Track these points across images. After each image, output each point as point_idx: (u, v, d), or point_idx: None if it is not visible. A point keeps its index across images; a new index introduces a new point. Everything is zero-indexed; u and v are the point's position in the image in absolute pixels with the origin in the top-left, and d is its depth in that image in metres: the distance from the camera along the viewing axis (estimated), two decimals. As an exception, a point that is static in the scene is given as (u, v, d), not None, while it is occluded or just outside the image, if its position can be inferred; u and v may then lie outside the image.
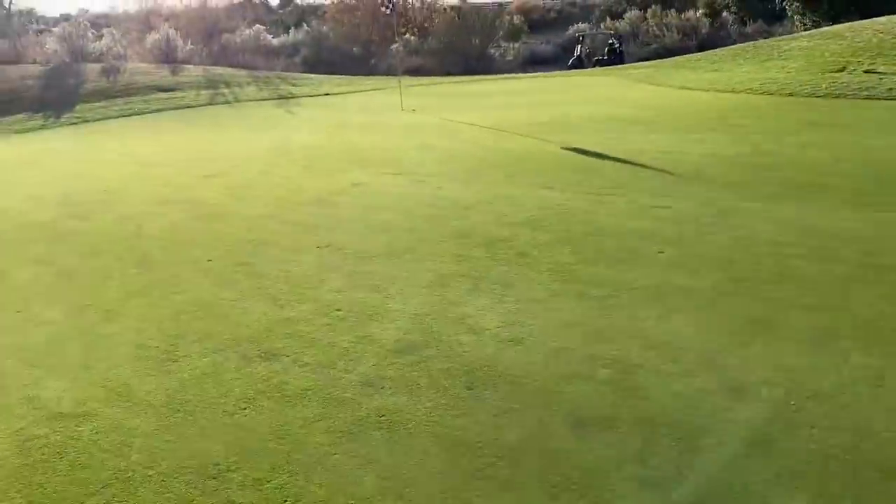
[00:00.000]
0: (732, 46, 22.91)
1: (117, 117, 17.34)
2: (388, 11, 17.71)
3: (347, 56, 40.09)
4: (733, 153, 9.37)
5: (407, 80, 25.27)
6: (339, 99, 20.14)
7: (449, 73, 36.98)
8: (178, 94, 19.96)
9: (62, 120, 17.01)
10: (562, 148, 10.56)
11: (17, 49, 25.04)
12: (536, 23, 60.32)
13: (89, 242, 7.11)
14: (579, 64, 33.21)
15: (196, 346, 4.63)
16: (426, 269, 5.79)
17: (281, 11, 70.15)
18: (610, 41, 33.63)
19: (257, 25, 47.63)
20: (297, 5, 72.22)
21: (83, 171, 10.80)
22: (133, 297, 5.59)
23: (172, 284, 5.80)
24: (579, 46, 34.24)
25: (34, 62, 24.05)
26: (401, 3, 14.98)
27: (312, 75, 26.64)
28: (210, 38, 33.06)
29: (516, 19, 53.61)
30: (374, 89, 22.20)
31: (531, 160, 9.93)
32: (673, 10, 39.67)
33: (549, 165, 9.47)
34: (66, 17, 51.62)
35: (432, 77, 28.95)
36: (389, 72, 38.84)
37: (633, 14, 41.82)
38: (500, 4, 66.17)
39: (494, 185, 8.62)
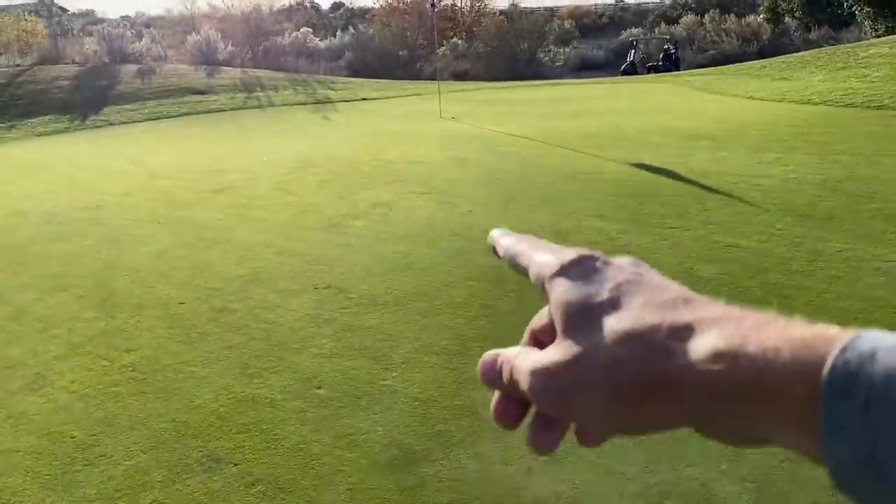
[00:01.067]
0: (801, 53, 21.12)
1: (143, 121, 16.53)
2: (431, 8, 16.54)
3: (393, 59, 39.16)
4: (820, 178, 7.89)
5: (450, 86, 24.10)
6: (377, 104, 19.04)
7: (496, 79, 35.72)
8: (212, 97, 19.12)
9: (87, 123, 16.26)
10: (613, 167, 9.21)
11: (57, 49, 24.62)
12: (587, 28, 58.71)
13: (57, 273, 6.04)
14: (632, 70, 31.61)
15: (121, 440, 3.46)
16: (442, 326, 4.56)
17: (332, 15, 69.94)
18: (665, 46, 31.96)
19: (304, 28, 47.24)
20: (347, 9, 71.93)
21: (84, 182, 9.85)
22: (75, 353, 4.47)
23: (127, 337, 4.67)
24: (632, 52, 32.62)
25: (73, 62, 23.57)
26: (441, 3, 13.81)
27: (354, 79, 25.67)
28: (255, 40, 32.38)
29: (567, 24, 52.18)
30: (415, 94, 21.06)
31: (579, 180, 8.60)
32: (732, 15, 37.72)
33: (601, 187, 8.14)
34: (126, 19, 51.98)
35: (478, 82, 27.72)
36: (434, 76, 37.91)
37: (689, 19, 39.98)
38: (551, 9, 64.83)
39: (535, 211, 7.34)
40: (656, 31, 41.74)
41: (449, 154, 10.85)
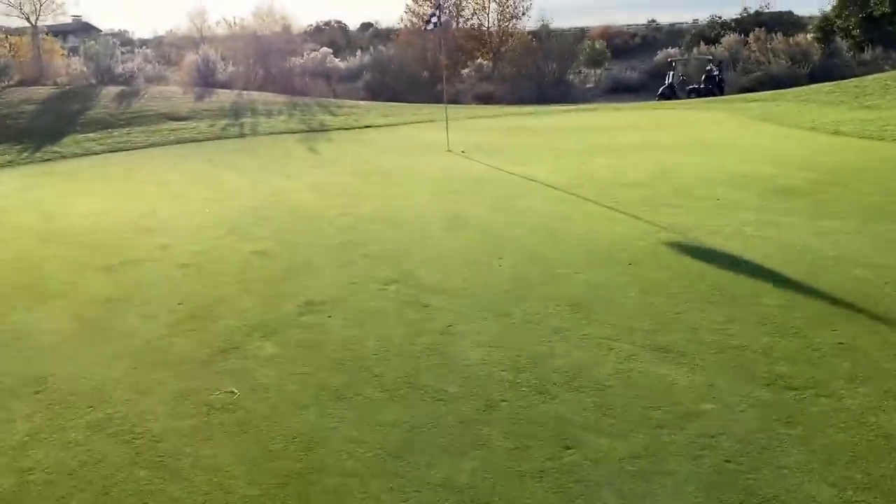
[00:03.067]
0: (877, 75, 18.02)
1: (103, 153, 14.02)
2: (430, 28, 13.79)
3: (415, 81, 36.62)
4: None
5: (469, 110, 21.36)
6: (380, 133, 16.35)
7: (522, 102, 32.98)
8: (191, 124, 16.59)
9: (37, 155, 13.78)
10: (671, 241, 6.32)
11: (41, 69, 22.40)
12: (619, 48, 55.67)
13: None
14: (671, 93, 28.62)
15: None
16: None
17: (361, 35, 67.82)
18: (707, 67, 28.89)
19: (324, 49, 45.01)
20: (376, 29, 69.77)
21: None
22: None
23: None
24: (671, 73, 29.62)
25: (54, 84, 21.29)
26: (440, 22, 11.18)
27: (363, 103, 23.07)
28: (264, 60, 30.02)
29: (598, 44, 49.36)
30: (427, 121, 18.34)
31: (622, 269, 5.71)
32: (779, 34, 34.55)
33: (655, 283, 5.25)
34: (159, 39, 50.27)
35: (501, 107, 24.95)
36: (457, 99, 35.27)
37: (731, 38, 36.85)
38: (582, 29, 62.02)
39: (555, 333, 4.48)
40: (695, 50, 38.67)
41: (443, 209, 8.04)
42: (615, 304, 4.88)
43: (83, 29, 51.79)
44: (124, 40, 53.22)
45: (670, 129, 14.37)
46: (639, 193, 8.24)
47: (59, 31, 37.49)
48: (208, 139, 15.11)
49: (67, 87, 20.76)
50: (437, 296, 5.26)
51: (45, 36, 27.66)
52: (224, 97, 20.62)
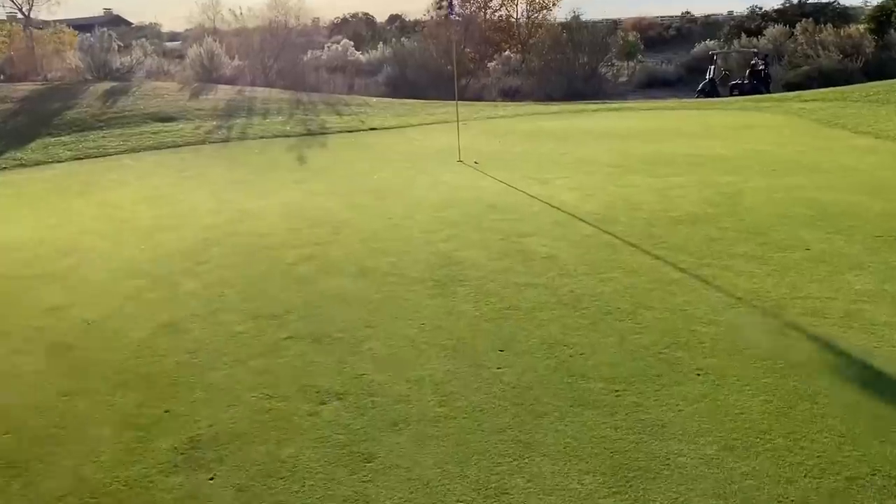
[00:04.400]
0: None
1: (65, 160, 12.22)
2: (451, 13, 11.75)
3: (437, 75, 34.44)
4: None
5: (490, 109, 19.25)
6: (386, 136, 14.35)
7: (550, 98, 30.71)
8: (176, 126, 14.75)
9: (-5, 163, 12.02)
10: (757, 327, 4.25)
11: (35, 63, 20.77)
12: (653, 41, 52.91)
13: None
14: (711, 89, 26.19)
15: None
16: None
17: (387, 28, 65.68)
18: (752, 61, 26.34)
19: (345, 41, 43.12)
20: (402, 21, 67.55)
21: None
22: None
23: None
24: (712, 67, 27.14)
25: (44, 80, 19.65)
26: (462, 10, 9.35)
27: (374, 99, 21.07)
28: (277, 54, 28.13)
29: (631, 36, 46.67)
30: (441, 122, 16.29)
31: (687, 390, 3.67)
32: (829, 25, 31.80)
33: (748, 432, 3.20)
34: (189, 32, 48.73)
35: (525, 104, 22.79)
36: (482, 94, 33.11)
37: (776, 30, 34.13)
38: (615, 21, 59.21)
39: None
40: (735, 43, 36.02)
41: (435, 254, 6.02)
42: (684, 473, 2.84)
43: (112, 22, 50.43)
44: (153, 34, 51.81)
45: (721, 136, 12.14)
46: (697, 234, 6.13)
47: (87, 25, 35.99)
48: (189, 144, 13.23)
49: (57, 83, 19.09)
50: (389, 435, 3.27)
51: (63, 29, 26.13)
52: (222, 94, 18.77)
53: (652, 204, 7.32)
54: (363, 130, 15.06)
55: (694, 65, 36.58)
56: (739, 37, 37.85)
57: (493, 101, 31.49)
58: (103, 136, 13.74)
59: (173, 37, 53.65)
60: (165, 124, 14.76)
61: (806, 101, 15.89)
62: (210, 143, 13.44)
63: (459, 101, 22.01)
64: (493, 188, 8.70)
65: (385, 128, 15.48)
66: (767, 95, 19.96)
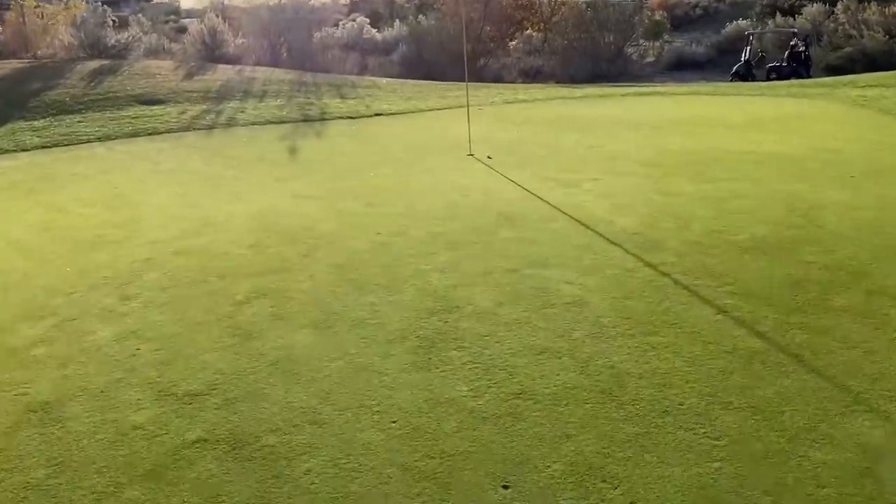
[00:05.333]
0: None
1: (31, 149, 10.84)
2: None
3: (455, 54, 32.61)
4: None
5: (509, 91, 17.63)
6: (391, 124, 12.85)
7: (573, 80, 28.94)
8: (162, 109, 13.34)
9: (-51, 152, 10.69)
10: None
11: (25, 40, 19.42)
12: (679, 20, 50.56)
13: None
14: (747, 72, 24.27)
15: None
16: None
17: (406, 5, 63.66)
18: (792, 42, 24.34)
19: (361, 18, 41.44)
20: (426, -4, 65.38)
21: None
22: None
23: None
24: (747, 49, 25.19)
25: (33, 57, 18.30)
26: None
27: (385, 81, 19.52)
28: (287, 31, 26.54)
29: (658, 15, 44.46)
30: (455, 106, 14.74)
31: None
32: (873, 3, 29.59)
33: None
34: (213, 7, 47.15)
35: (547, 86, 21.14)
36: (501, 75, 31.33)
37: (815, 8, 31.92)
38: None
39: None
40: (770, 23, 33.87)
41: (423, 292, 4.54)
42: None
43: (135, -2, 49.10)
44: (169, 9, 50.41)
45: (773, 128, 10.50)
46: (773, 272, 4.59)
47: (110, 1, 34.54)
48: (171, 131, 11.81)
49: (46, 61, 17.74)
50: None
51: (76, 4, 24.69)
52: (220, 74, 17.31)
53: (706, 221, 5.77)
54: (367, 116, 13.56)
55: (725, 45, 34.48)
56: (773, 16, 35.64)
57: (513, 82, 29.76)
58: (79, 121, 12.36)
59: (189, 13, 52.25)
60: (150, 108, 13.35)
61: (862, 87, 14.12)
62: (194, 129, 12.00)
63: (476, 83, 20.38)
64: (507, 192, 7.19)
65: (392, 113, 13.96)
66: (815, 80, 18.14)
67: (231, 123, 12.51)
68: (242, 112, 13.40)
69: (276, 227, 6.26)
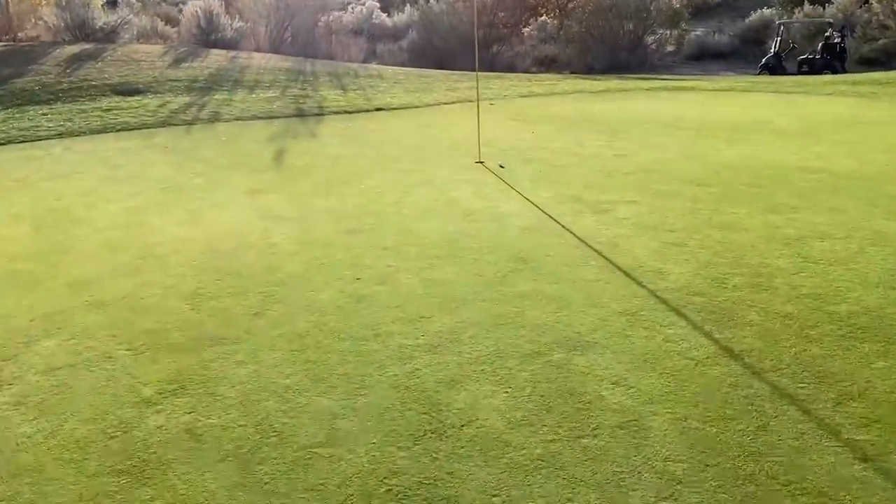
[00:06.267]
0: None
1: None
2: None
3: (466, 41, 30.92)
4: None
5: (523, 84, 16.11)
6: (393, 120, 11.42)
7: (591, 69, 27.32)
8: (140, 101, 11.95)
9: None
10: None
11: (8, 21, 18.03)
12: (698, 8, 48.63)
13: None
14: (777, 64, 22.62)
15: None
16: None
17: (424, -12, 61.75)
18: (827, 33, 22.61)
19: (370, 2, 39.82)
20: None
21: None
22: None
23: None
24: (777, 39, 23.48)
25: (12, 40, 16.92)
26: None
27: (391, 69, 18.05)
28: (292, 15, 25.03)
29: (676, 2, 42.58)
30: (465, 100, 13.29)
31: None
32: (909, -7, 27.69)
33: None
34: None
35: (564, 77, 19.59)
36: (514, 64, 29.67)
37: (845, -4, 30.03)
38: (660, -15, 54.82)
39: None
40: (797, 12, 32.01)
41: (405, 402, 3.10)
42: None
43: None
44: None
45: (834, 137, 8.99)
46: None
47: None
48: (145, 126, 10.41)
49: (25, 44, 16.35)
50: None
51: None
52: (211, 61, 15.87)
53: (789, 276, 4.32)
54: (366, 111, 12.11)
55: (749, 35, 32.71)
56: (800, 4, 33.76)
57: (527, 71, 28.16)
58: (44, 114, 10.98)
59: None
60: (126, 99, 11.95)
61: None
62: (171, 125, 10.59)
63: (488, 74, 18.85)
64: (523, 218, 5.75)
65: (394, 108, 12.50)
66: (866, 76, 16.51)
67: (213, 118, 11.08)
68: (228, 105, 11.98)
69: (230, 266, 4.86)
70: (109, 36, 17.90)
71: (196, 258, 5.05)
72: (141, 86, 12.77)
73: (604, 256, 4.78)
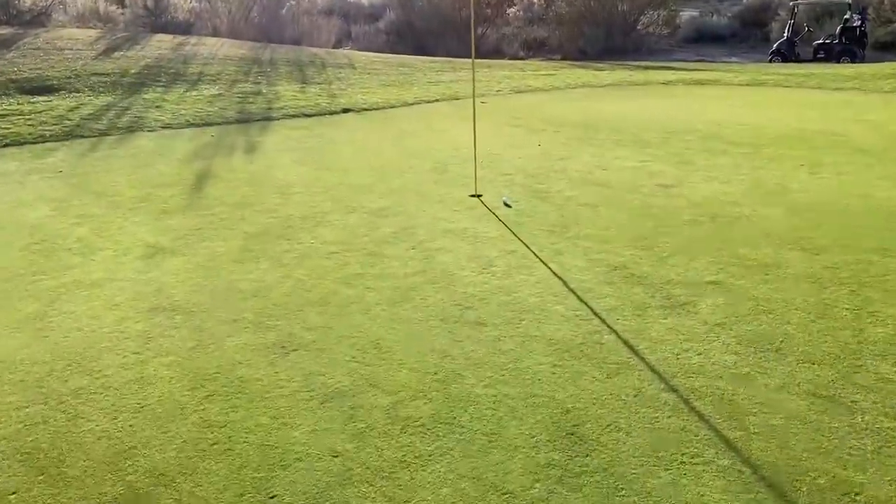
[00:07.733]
0: None
1: None
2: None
3: (448, 23, 28.37)
4: None
5: (517, 77, 13.85)
6: (361, 126, 9.16)
7: (583, 53, 25.06)
8: (48, 101, 9.60)
9: None
10: None
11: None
12: (690, -13, 46.44)
13: None
14: (789, 51, 20.52)
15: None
16: None
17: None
18: (846, 16, 20.47)
19: (347, -21, 37.13)
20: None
21: None
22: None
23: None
24: (791, 23, 21.32)
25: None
26: None
27: (363, 56, 15.70)
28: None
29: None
30: (450, 98, 11.04)
31: None
32: (925, -29, 25.66)
33: None
34: None
35: (560, 64, 17.34)
36: (500, 47, 27.24)
37: (855, -23, 27.90)
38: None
39: None
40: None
41: None
42: None
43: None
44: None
45: (883, 154, 6.90)
46: None
47: None
48: (40, 140, 8.06)
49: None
50: None
51: None
52: (152, 49, 13.43)
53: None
54: (330, 114, 9.83)
55: (748, 17, 30.58)
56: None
57: (515, 56, 25.83)
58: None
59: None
60: (31, 100, 9.55)
61: None
62: (77, 137, 8.25)
63: (476, 61, 16.57)
64: (552, 319, 3.57)
65: (365, 108, 10.23)
66: (862, 63, 14.39)
67: (134, 127, 8.73)
68: (158, 107, 9.62)
69: (51, 455, 2.65)
70: (39, 18, 15.35)
71: (12, 398, 2.84)
72: (55, 82, 10.36)
73: (714, 428, 2.62)
